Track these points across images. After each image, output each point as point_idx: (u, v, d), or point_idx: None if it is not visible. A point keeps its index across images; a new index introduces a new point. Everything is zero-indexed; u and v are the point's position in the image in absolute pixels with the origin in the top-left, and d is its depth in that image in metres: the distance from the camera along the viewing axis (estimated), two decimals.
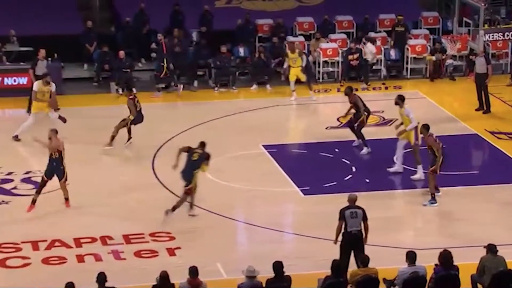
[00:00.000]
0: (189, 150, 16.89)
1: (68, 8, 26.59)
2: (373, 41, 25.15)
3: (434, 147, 17.21)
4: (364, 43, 24.98)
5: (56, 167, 16.89)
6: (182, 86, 24.16)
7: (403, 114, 18.67)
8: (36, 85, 20.58)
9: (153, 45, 25.95)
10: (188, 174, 16.71)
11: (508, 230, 16.23)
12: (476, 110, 22.72)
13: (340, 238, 14.29)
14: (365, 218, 14.34)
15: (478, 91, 22.93)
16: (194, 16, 26.36)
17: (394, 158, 18.81)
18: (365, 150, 19.80)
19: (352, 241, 14.20)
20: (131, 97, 20.34)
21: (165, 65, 24.05)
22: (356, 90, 22.17)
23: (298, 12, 27.67)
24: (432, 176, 17.27)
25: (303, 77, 23.35)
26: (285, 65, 23.83)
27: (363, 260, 13.22)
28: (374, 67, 25.79)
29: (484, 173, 19.12)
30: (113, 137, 20.02)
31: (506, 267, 13.19)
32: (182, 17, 26.35)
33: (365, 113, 19.84)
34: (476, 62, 23.13)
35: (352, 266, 13.82)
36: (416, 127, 18.29)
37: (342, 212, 14.29)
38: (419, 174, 18.32)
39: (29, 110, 21.20)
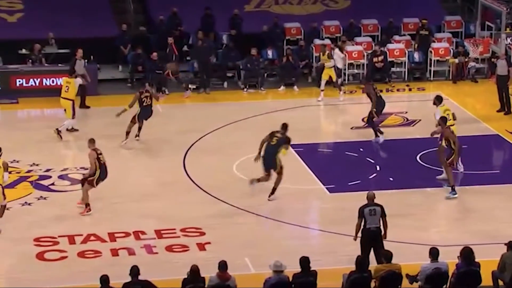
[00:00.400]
0: (270, 135, 16.89)
1: (103, 12, 26.77)
2: (341, 48, 24.79)
3: (451, 139, 17.26)
4: (333, 48, 24.55)
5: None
6: (189, 90, 24.04)
7: (435, 113, 18.61)
8: (76, 82, 21.04)
9: (185, 47, 26.07)
10: (269, 161, 16.84)
11: None
12: (498, 111, 22.57)
13: (359, 235, 14.29)
14: (383, 215, 14.34)
15: (499, 93, 22.78)
16: (224, 19, 26.41)
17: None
18: (380, 138, 19.73)
19: (372, 237, 14.21)
20: (140, 91, 20.22)
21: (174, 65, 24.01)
22: (381, 91, 22.10)
23: (324, 15, 27.64)
24: (450, 168, 17.32)
25: (335, 76, 23.50)
26: (319, 64, 23.96)
27: (386, 256, 13.17)
28: (398, 69, 25.70)
29: (505, 172, 18.98)
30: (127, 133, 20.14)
31: None
32: (213, 20, 26.41)
33: (374, 109, 19.91)
34: (498, 64, 22.98)
35: (372, 262, 13.76)
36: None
37: (361, 210, 14.31)
38: (445, 174, 18.21)
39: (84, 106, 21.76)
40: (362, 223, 14.27)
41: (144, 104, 20.08)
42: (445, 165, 17.44)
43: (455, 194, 17.37)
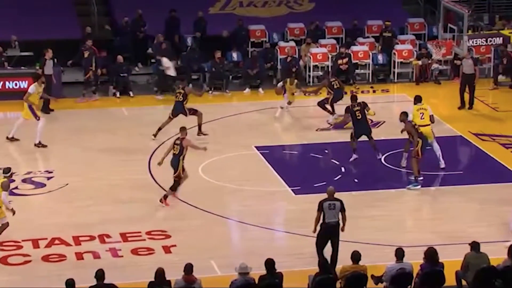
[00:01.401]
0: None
1: (67, 14, 26.57)
2: (169, 56, 24.58)
3: (412, 133, 17.70)
4: (160, 59, 24.16)
5: (174, 162, 17.11)
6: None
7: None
8: (33, 87, 20.39)
9: (150, 50, 25.98)
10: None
11: (490, 227, 16.25)
12: (459, 108, 22.81)
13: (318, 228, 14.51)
14: (343, 210, 14.55)
15: (461, 90, 23.06)
16: (189, 21, 26.36)
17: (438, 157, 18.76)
18: (330, 118, 21.25)
19: (330, 231, 14.46)
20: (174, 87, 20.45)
21: (93, 69, 23.74)
22: (346, 93, 22.22)
23: (289, 18, 27.70)
24: (415, 159, 17.60)
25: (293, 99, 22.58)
26: (280, 85, 22.58)
27: (355, 257, 13.24)
28: (362, 71, 25.83)
29: (469, 173, 19.15)
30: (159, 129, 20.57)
31: (489, 264, 13.20)
32: (178, 22, 26.35)
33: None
34: (464, 63, 23.21)
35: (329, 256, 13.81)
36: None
37: (320, 203, 14.54)
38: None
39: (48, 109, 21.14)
40: (321, 217, 14.47)
41: (176, 99, 20.58)
42: (412, 157, 17.75)
43: (417, 185, 17.68)
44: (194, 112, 20.93)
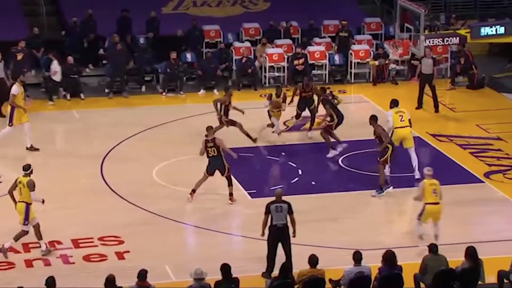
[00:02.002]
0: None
1: (14, 14, 26.26)
2: (59, 58, 24.39)
3: (382, 136, 17.58)
4: (52, 59, 23.76)
5: (217, 163, 17.28)
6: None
7: (387, 115, 19.00)
8: (16, 88, 19.91)
9: (101, 51, 25.83)
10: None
11: (449, 229, 16.42)
12: (416, 108, 23.02)
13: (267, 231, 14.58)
14: (290, 212, 14.60)
15: (420, 91, 23.26)
16: (141, 22, 26.24)
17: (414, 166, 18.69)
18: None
19: (278, 234, 14.50)
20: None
21: (27, 71, 23.51)
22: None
23: (244, 18, 27.72)
24: (381, 166, 17.61)
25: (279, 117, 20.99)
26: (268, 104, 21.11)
27: (312, 260, 13.30)
28: (319, 71, 25.95)
29: None
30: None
31: (447, 266, 13.35)
32: (130, 22, 26.22)
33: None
34: (423, 62, 23.39)
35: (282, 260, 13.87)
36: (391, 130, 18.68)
37: (267, 206, 14.62)
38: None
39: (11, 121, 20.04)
40: (269, 220, 14.52)
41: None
42: (379, 164, 17.68)
43: (382, 192, 17.75)
44: (233, 123, 20.36)
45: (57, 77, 23.49)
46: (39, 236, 15.40)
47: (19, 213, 15.43)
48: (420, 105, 23.32)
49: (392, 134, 18.63)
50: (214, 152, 17.36)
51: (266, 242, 14.98)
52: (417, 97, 23.31)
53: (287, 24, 26.92)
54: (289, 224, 14.61)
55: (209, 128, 17.55)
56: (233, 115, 20.58)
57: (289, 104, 20.93)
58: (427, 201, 15.69)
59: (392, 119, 18.76)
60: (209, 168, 17.49)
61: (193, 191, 17.57)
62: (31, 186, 15.31)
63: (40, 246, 15.47)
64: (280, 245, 14.54)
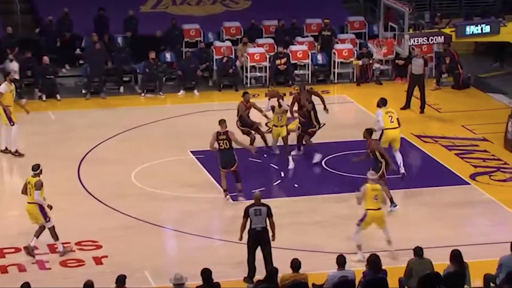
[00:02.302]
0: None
1: None
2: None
3: (378, 151, 17.18)
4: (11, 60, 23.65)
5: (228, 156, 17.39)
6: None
7: (376, 115, 18.84)
8: (4, 86, 19.80)
9: (78, 51, 25.75)
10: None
11: (434, 232, 16.49)
12: (402, 108, 23.07)
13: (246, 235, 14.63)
14: (270, 215, 14.61)
15: (409, 91, 23.30)
16: (119, 20, 26.18)
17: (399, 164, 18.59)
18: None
19: (257, 238, 14.53)
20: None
21: None
22: (284, 94, 22.29)
23: (224, 16, 27.72)
24: (383, 182, 17.02)
25: (285, 132, 19.65)
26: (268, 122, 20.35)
27: (294, 265, 13.31)
28: (301, 71, 25.98)
29: (412, 176, 19.35)
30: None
31: (432, 270, 13.40)
32: (107, 21, 26.16)
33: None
34: (413, 63, 23.46)
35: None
36: (382, 131, 18.55)
37: (246, 209, 14.66)
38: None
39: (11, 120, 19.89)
40: (248, 223, 14.54)
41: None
42: (380, 181, 16.84)
43: (396, 206, 17.33)
44: (257, 129, 19.96)
45: (16, 75, 23.37)
46: (55, 237, 15.53)
47: (29, 214, 15.55)
48: (407, 106, 23.33)
49: (381, 135, 18.61)
50: (226, 145, 17.42)
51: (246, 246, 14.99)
52: (406, 97, 23.30)
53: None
54: (269, 228, 14.60)
55: (221, 121, 17.56)
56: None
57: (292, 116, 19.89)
58: (368, 207, 15.49)
59: (382, 119, 18.70)
60: (222, 164, 17.55)
61: (225, 191, 17.63)
62: (38, 186, 15.47)
63: (57, 247, 15.57)
64: (259, 249, 14.54)
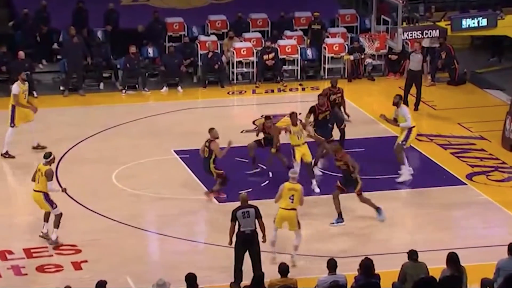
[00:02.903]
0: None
1: None
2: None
3: (350, 163, 16.95)
4: None
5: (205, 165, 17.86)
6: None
7: (398, 114, 19.01)
8: (16, 87, 19.98)
9: (55, 45, 25.69)
10: None
11: (428, 235, 16.53)
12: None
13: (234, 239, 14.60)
14: (258, 216, 14.64)
15: (406, 89, 23.30)
16: (98, 14, 26.14)
17: (403, 166, 18.68)
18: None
19: (246, 241, 14.54)
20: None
21: None
22: (272, 91, 22.34)
23: (210, 9, 27.72)
24: (363, 197, 17.02)
25: (310, 157, 18.56)
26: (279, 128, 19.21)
27: (282, 269, 13.32)
28: (290, 67, 26.00)
29: None
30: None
31: (427, 274, 13.43)
32: (86, 15, 26.11)
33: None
34: (411, 58, 23.49)
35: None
36: (410, 129, 18.76)
37: (233, 213, 14.66)
38: (405, 174, 18.73)
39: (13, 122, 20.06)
40: (237, 227, 14.56)
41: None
42: (359, 196, 16.95)
43: (381, 216, 17.12)
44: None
45: None
46: (57, 225, 15.92)
47: (36, 202, 15.96)
48: (405, 103, 23.25)
49: (409, 133, 18.71)
50: (206, 154, 17.87)
51: (233, 250, 15.01)
52: (403, 95, 23.28)
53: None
54: (259, 230, 14.61)
55: (211, 130, 17.95)
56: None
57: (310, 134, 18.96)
58: (281, 205, 15.50)
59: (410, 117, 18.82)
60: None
61: (210, 191, 17.96)
62: (49, 176, 15.79)
63: (50, 239, 15.93)
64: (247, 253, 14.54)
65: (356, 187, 16.92)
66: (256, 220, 14.63)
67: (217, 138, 17.81)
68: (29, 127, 20.17)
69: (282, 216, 15.45)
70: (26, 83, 20.32)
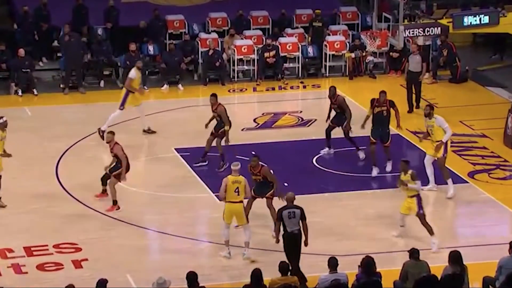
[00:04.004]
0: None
1: None
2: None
3: (270, 177, 16.35)
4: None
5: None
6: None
7: (434, 125, 18.21)
8: (134, 72, 20.95)
9: (55, 43, 25.70)
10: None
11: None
12: (408, 112, 22.89)
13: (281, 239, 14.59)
14: (303, 218, 14.60)
15: (408, 91, 23.17)
16: (99, 11, 26.15)
17: (429, 176, 18.30)
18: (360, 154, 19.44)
19: (296, 240, 14.53)
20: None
21: None
22: (273, 89, 22.35)
23: (210, 7, 27.72)
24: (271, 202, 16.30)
25: (416, 210, 16.39)
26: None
27: (282, 268, 13.33)
28: (291, 64, 25.99)
29: None
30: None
31: (429, 272, 13.43)
32: (86, 12, 26.11)
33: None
34: (410, 60, 23.41)
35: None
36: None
37: (279, 212, 14.61)
38: (452, 189, 18.13)
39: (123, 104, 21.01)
40: (281, 227, 14.53)
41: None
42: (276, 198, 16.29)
43: None
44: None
45: None
46: None
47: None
48: (411, 109, 23.12)
49: (447, 145, 18.15)
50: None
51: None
52: (407, 100, 23.17)
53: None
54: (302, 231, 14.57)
55: (111, 133, 17.85)
56: None
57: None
58: (228, 199, 15.43)
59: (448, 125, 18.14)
60: None
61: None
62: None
63: None
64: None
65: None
66: (300, 221, 14.55)
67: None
68: (139, 112, 21.07)
69: (230, 210, 15.41)
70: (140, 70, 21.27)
